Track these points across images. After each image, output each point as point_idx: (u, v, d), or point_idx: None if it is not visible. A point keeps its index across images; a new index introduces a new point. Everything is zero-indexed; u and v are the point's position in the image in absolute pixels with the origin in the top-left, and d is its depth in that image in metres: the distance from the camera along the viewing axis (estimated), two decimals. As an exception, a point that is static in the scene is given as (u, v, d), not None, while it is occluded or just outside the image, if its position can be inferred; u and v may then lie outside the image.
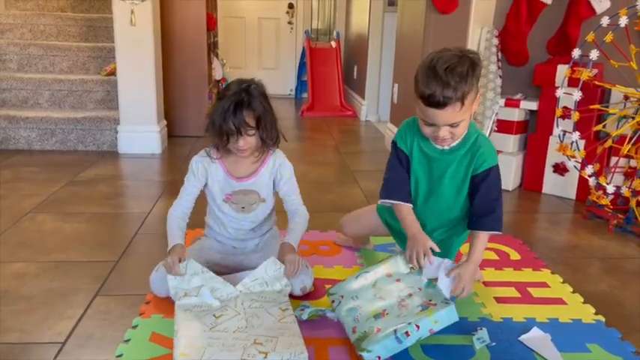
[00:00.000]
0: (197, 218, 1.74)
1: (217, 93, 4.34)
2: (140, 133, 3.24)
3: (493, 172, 1.34)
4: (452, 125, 1.25)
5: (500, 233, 1.38)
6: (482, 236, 1.37)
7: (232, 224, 1.58)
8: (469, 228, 1.40)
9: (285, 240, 1.52)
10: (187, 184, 1.55)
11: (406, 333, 1.20)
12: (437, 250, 1.35)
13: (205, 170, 1.53)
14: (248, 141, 1.43)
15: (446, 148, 1.35)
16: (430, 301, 1.27)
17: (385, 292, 1.34)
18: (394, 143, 1.43)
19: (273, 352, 1.18)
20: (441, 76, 1.17)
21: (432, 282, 1.34)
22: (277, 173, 1.56)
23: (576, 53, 2.31)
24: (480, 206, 1.35)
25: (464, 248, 1.55)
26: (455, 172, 1.36)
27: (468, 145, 1.34)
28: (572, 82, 2.36)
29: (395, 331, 1.20)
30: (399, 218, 1.42)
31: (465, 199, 1.40)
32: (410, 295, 1.31)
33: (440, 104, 1.20)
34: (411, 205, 1.41)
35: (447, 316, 1.23)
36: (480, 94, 1.29)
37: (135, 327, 1.34)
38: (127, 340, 1.28)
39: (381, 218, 1.62)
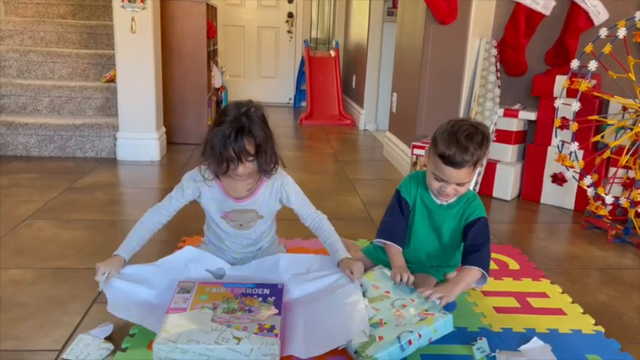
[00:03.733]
0: (196, 225, 1.73)
1: (215, 102, 4.34)
2: (139, 140, 3.24)
3: (482, 221, 1.48)
4: (459, 184, 1.41)
5: (483, 271, 1.44)
6: (469, 269, 1.45)
7: (231, 239, 1.58)
8: (461, 264, 1.51)
9: (339, 255, 1.51)
10: (174, 196, 1.55)
11: (409, 341, 1.23)
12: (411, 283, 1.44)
13: (198, 190, 1.51)
14: (247, 167, 1.41)
15: (444, 203, 1.50)
16: (427, 311, 1.32)
17: (377, 302, 1.37)
18: (398, 192, 1.56)
19: (247, 340, 1.20)
20: (462, 142, 1.35)
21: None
22: (282, 192, 1.54)
23: (575, 64, 2.32)
24: (469, 246, 1.48)
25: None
26: (451, 224, 1.51)
27: (463, 202, 1.50)
28: (571, 93, 2.37)
29: (399, 339, 1.23)
30: (388, 255, 1.54)
31: (457, 244, 1.56)
32: (404, 305, 1.35)
33: (457, 164, 1.36)
34: (401, 249, 1.54)
35: (444, 326, 1.29)
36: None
37: (132, 335, 1.33)
38: (125, 349, 1.27)
39: (371, 258, 1.65)
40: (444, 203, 1.51)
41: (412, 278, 1.42)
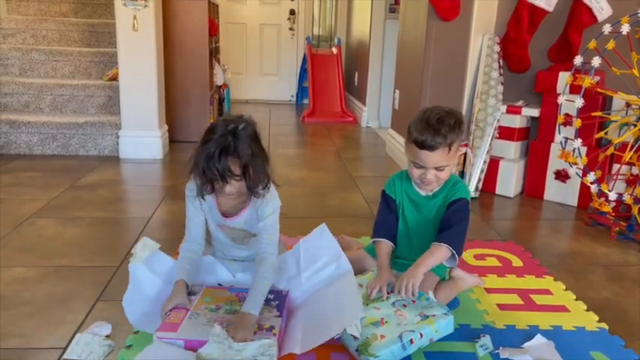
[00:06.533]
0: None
1: (218, 100, 4.34)
2: (141, 138, 3.24)
3: (462, 201, 1.49)
4: (438, 169, 1.43)
5: (448, 247, 1.42)
6: (437, 247, 1.44)
7: (227, 248, 1.56)
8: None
9: (244, 308, 1.29)
10: (191, 215, 1.47)
11: (411, 340, 1.23)
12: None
13: (199, 200, 1.44)
14: (235, 186, 1.32)
15: (429, 193, 1.52)
16: (428, 311, 1.32)
17: (378, 302, 1.37)
18: (383, 191, 1.60)
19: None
20: (433, 125, 1.38)
21: (425, 295, 1.39)
22: (260, 208, 1.44)
23: (578, 60, 2.31)
24: (443, 222, 1.48)
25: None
26: (438, 212, 1.52)
27: (448, 187, 1.51)
28: (574, 89, 2.36)
29: (400, 338, 1.23)
30: (376, 251, 1.55)
31: None
32: (404, 305, 1.35)
33: (431, 147, 1.39)
34: (392, 245, 1.55)
35: (445, 326, 1.30)
36: (460, 151, 1.48)
37: (136, 333, 1.33)
38: (129, 346, 1.28)
39: (373, 256, 1.63)
40: (429, 193, 1.52)
41: (385, 288, 1.40)
